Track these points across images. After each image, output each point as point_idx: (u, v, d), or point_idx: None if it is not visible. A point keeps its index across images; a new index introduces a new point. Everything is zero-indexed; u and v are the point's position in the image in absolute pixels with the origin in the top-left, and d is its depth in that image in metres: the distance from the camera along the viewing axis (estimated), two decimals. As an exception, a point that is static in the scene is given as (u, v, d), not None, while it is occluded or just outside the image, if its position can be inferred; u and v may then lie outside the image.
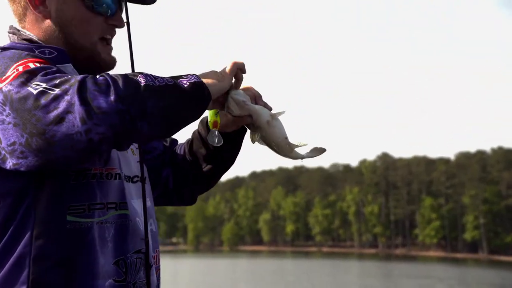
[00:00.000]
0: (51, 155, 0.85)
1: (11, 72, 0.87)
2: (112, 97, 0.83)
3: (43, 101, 0.83)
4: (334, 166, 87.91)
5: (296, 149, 1.13)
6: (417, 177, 74.38)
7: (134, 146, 1.11)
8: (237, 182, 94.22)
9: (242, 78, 1.10)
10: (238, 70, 1.08)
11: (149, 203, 1.08)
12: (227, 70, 1.05)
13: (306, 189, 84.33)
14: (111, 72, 0.91)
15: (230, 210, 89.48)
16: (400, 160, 78.72)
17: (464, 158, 72.50)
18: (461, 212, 67.83)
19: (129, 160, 1.06)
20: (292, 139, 1.13)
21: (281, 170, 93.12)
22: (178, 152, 1.26)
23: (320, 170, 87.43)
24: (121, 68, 1.07)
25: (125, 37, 1.07)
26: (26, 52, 0.94)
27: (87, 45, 1.03)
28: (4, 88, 0.86)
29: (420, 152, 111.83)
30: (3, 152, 0.88)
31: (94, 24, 1.03)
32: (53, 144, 0.83)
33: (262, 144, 1.15)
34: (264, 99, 1.16)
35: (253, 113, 1.11)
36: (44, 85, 0.84)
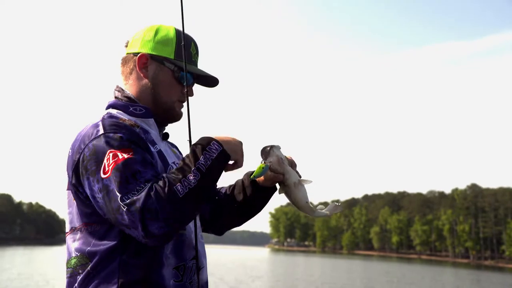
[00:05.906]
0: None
1: (106, 161, 1.21)
2: (160, 223, 1.14)
3: (120, 210, 1.16)
4: (431, 192, 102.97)
5: (317, 208, 1.39)
6: (503, 204, 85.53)
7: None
8: (353, 202, 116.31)
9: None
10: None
11: (198, 221, 1.40)
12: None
13: (407, 210, 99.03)
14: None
15: (348, 223, 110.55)
16: (487, 189, 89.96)
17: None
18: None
19: None
20: (311, 200, 1.36)
21: (388, 194, 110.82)
22: (222, 192, 1.59)
23: (419, 195, 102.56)
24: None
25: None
26: (117, 143, 1.23)
27: (168, 102, 1.40)
28: (105, 181, 1.20)
29: (505, 184, 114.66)
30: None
31: (175, 89, 1.41)
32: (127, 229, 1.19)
33: (288, 198, 1.39)
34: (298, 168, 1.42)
35: (286, 172, 1.36)
36: (119, 200, 1.16)
